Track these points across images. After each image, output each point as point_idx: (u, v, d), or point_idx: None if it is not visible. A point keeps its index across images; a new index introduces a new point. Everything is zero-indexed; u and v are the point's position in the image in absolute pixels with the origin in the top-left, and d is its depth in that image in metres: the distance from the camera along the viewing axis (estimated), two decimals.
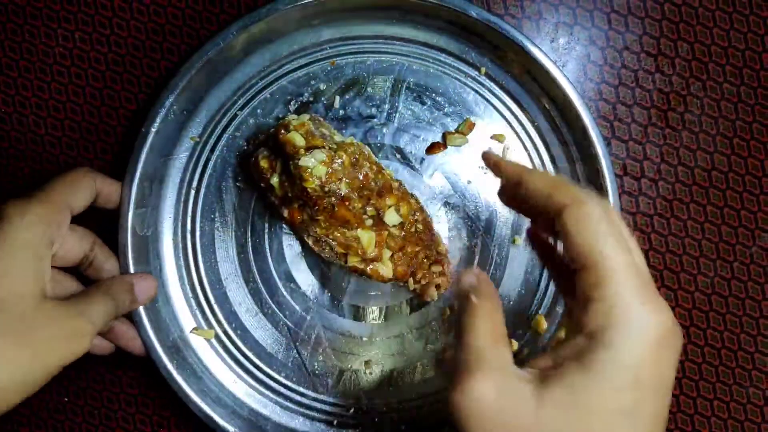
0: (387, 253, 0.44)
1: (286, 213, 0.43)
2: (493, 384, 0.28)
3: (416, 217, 0.44)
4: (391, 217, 0.43)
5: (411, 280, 0.46)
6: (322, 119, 0.46)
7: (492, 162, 0.34)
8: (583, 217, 0.29)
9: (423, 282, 0.46)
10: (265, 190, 0.45)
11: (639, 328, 0.27)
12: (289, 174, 0.41)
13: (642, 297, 0.27)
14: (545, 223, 0.32)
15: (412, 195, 0.45)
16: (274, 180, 0.43)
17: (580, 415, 0.27)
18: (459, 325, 0.31)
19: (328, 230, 0.42)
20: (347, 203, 0.41)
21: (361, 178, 0.41)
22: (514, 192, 0.32)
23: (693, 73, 0.49)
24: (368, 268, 0.44)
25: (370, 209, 0.42)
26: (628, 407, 0.27)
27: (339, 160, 0.41)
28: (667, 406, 0.28)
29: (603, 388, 0.27)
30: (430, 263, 0.46)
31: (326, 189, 0.40)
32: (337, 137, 0.44)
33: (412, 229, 0.44)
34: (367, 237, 0.43)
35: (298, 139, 0.41)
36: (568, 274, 0.31)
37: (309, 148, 0.40)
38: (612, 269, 0.28)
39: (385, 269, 0.44)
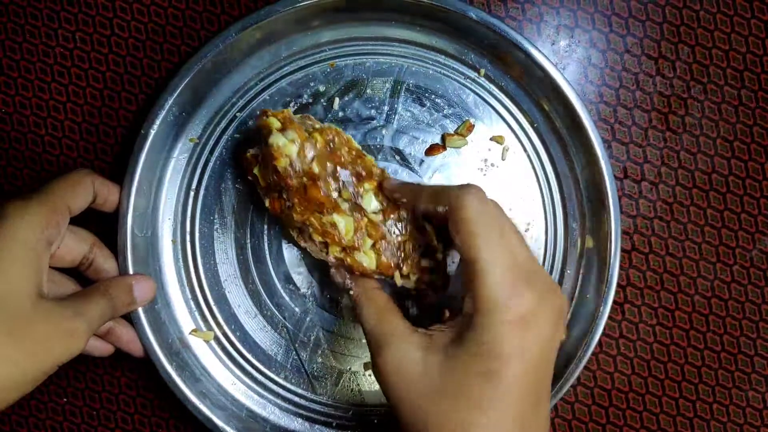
0: (368, 242, 0.42)
1: (267, 203, 0.43)
2: (389, 355, 0.36)
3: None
4: (369, 202, 0.41)
5: (397, 274, 0.43)
6: (312, 117, 0.45)
7: (389, 190, 0.41)
8: (459, 221, 0.35)
9: (412, 277, 0.43)
10: (254, 185, 0.44)
11: (498, 314, 0.34)
12: (265, 159, 0.41)
13: (505, 288, 0.34)
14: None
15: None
16: (257, 170, 0.42)
17: (451, 375, 0.34)
18: (357, 318, 0.40)
19: (303, 215, 0.41)
20: (318, 183, 0.40)
21: (333, 163, 0.41)
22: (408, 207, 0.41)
23: (694, 76, 0.49)
24: (347, 259, 0.42)
25: (345, 192, 0.41)
26: (485, 371, 0.34)
27: (311, 142, 0.40)
28: (538, 372, 0.35)
29: (467, 356, 0.34)
30: (419, 256, 0.43)
31: (297, 168, 0.40)
32: (317, 125, 0.43)
33: (394, 215, 0.42)
34: (343, 222, 0.41)
35: (275, 123, 0.41)
36: None
37: (282, 130, 0.40)
38: (480, 268, 0.34)
39: (366, 259, 0.42)
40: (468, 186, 0.37)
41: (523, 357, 0.34)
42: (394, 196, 0.41)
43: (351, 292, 0.42)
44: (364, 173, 0.42)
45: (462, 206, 0.36)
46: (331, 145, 0.41)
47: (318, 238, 0.42)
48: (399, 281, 0.43)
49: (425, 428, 0.34)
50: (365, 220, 0.42)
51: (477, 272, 0.34)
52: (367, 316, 0.39)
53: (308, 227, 0.42)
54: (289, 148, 0.40)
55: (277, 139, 0.40)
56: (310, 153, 0.40)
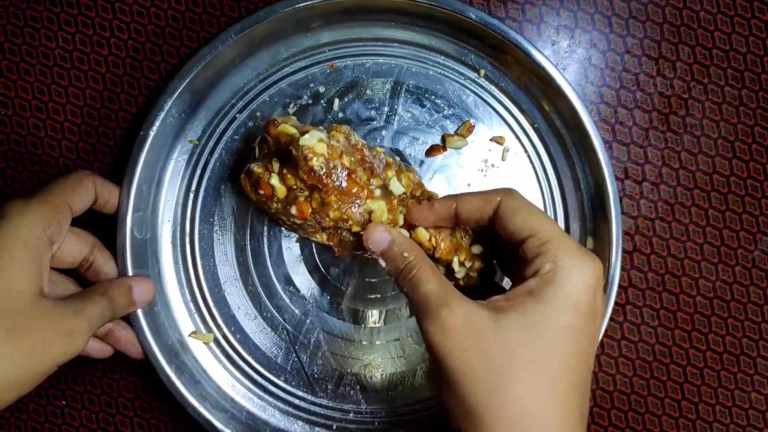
0: (401, 219, 0.43)
1: (294, 210, 0.42)
2: (458, 311, 0.35)
3: (418, 192, 0.44)
4: (396, 186, 0.42)
5: (456, 259, 0.42)
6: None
7: (426, 210, 0.42)
8: (515, 204, 0.38)
9: (467, 264, 0.43)
10: (263, 203, 0.44)
11: (577, 271, 0.35)
12: (290, 164, 0.40)
13: (577, 250, 0.36)
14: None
15: (410, 170, 0.45)
16: (274, 180, 0.42)
17: (532, 331, 0.34)
18: (407, 281, 0.38)
19: (341, 211, 0.41)
20: (353, 176, 0.41)
21: (357, 155, 0.41)
22: (451, 221, 0.41)
23: (694, 76, 0.49)
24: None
25: (375, 180, 0.42)
26: (569, 325, 0.34)
27: (334, 138, 0.41)
28: (598, 331, 0.37)
29: (551, 311, 0.35)
30: (469, 243, 0.43)
31: (332, 165, 0.40)
32: (321, 128, 0.44)
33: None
34: (377, 206, 0.42)
35: (290, 128, 0.41)
36: (509, 255, 0.41)
37: (302, 133, 0.40)
38: (551, 234, 0.36)
39: (405, 233, 0.42)
40: (508, 188, 0.40)
41: (595, 318, 0.36)
42: (432, 213, 0.42)
43: (404, 254, 0.40)
44: (383, 163, 0.43)
45: (512, 197, 0.39)
46: (349, 140, 0.42)
47: (357, 229, 0.42)
48: (458, 267, 0.43)
49: (499, 382, 0.34)
50: (396, 201, 0.42)
51: (547, 239, 0.36)
52: (426, 276, 0.38)
53: (344, 217, 0.42)
54: (322, 146, 0.40)
55: (309, 141, 0.40)
56: (338, 149, 0.40)
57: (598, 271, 0.36)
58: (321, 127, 0.43)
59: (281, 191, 0.42)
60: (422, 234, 0.42)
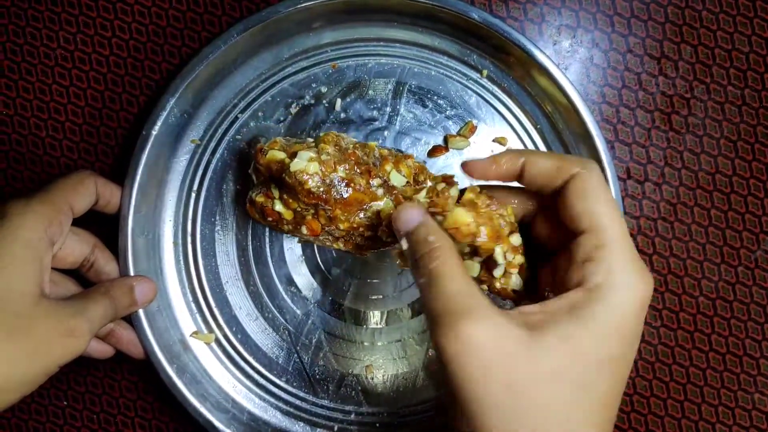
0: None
1: (305, 230, 0.43)
2: (487, 327, 0.29)
3: (421, 178, 0.43)
4: (396, 178, 0.42)
5: (499, 249, 0.35)
6: (289, 138, 0.45)
7: (488, 162, 0.35)
8: (588, 187, 0.32)
9: (509, 257, 0.36)
10: (274, 226, 0.44)
11: (630, 290, 0.30)
12: (289, 188, 0.41)
13: (634, 264, 0.31)
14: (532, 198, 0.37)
15: (407, 156, 0.44)
16: (278, 206, 0.42)
17: (571, 360, 0.29)
18: (427, 271, 0.31)
19: (350, 221, 0.42)
20: (353, 185, 0.41)
21: (351, 160, 0.41)
22: (512, 178, 0.35)
23: (696, 76, 0.49)
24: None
25: (375, 180, 0.42)
26: (612, 356, 0.30)
27: (324, 152, 0.41)
28: (630, 368, 0.32)
29: (594, 337, 0.29)
30: (509, 232, 0.36)
31: (327, 181, 0.40)
32: (310, 140, 0.44)
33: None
34: (382, 206, 0.42)
35: (279, 154, 0.41)
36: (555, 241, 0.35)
37: (292, 155, 0.40)
38: (612, 236, 0.31)
39: None
40: (588, 160, 0.34)
41: (635, 345, 0.31)
42: (491, 167, 0.35)
43: (430, 238, 0.32)
44: (379, 158, 0.43)
45: (588, 175, 0.32)
46: (339, 145, 0.42)
47: (368, 233, 0.42)
48: (501, 259, 0.35)
49: (527, 419, 0.29)
50: (400, 196, 0.42)
51: (604, 242, 0.31)
52: (450, 271, 0.31)
53: (354, 226, 0.42)
54: (314, 166, 0.40)
55: (299, 164, 0.40)
56: (330, 162, 0.40)
57: (650, 292, 0.31)
58: (310, 139, 0.44)
59: (288, 214, 0.42)
60: (461, 217, 0.34)
